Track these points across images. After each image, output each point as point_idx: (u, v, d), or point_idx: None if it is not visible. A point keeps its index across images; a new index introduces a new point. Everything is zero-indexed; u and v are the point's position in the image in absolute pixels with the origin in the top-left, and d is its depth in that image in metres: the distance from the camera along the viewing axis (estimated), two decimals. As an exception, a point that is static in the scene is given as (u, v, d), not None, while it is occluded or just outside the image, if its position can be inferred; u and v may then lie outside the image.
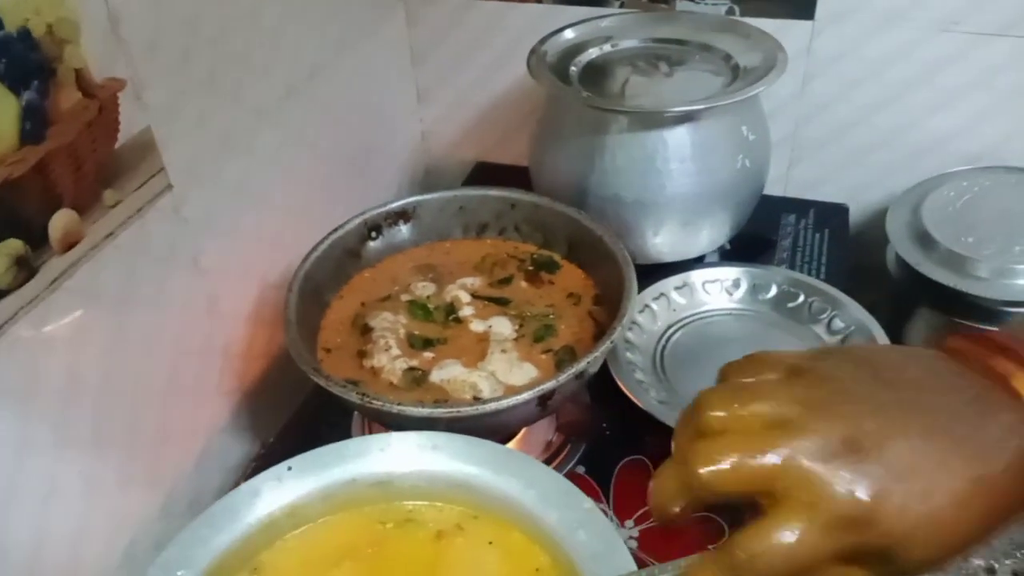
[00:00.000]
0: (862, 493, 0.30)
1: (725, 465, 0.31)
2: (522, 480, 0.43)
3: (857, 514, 0.30)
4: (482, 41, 0.92)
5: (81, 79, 0.52)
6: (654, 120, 0.66)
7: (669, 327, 0.73)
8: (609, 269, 0.63)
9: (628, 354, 0.69)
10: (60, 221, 0.52)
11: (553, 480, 0.43)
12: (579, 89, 0.70)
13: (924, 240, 0.75)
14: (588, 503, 0.41)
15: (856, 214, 0.89)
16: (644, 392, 0.65)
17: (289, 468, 0.44)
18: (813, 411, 0.32)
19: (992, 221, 0.74)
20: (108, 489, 0.59)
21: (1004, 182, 0.79)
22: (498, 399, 0.51)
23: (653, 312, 0.74)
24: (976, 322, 0.73)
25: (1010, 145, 0.82)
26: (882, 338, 0.67)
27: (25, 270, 0.50)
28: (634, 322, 0.72)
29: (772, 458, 0.31)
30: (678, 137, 0.67)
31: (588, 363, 0.54)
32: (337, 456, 0.45)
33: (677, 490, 0.33)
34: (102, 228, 0.56)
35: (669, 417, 0.62)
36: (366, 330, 0.62)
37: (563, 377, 0.52)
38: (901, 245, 0.76)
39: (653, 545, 0.57)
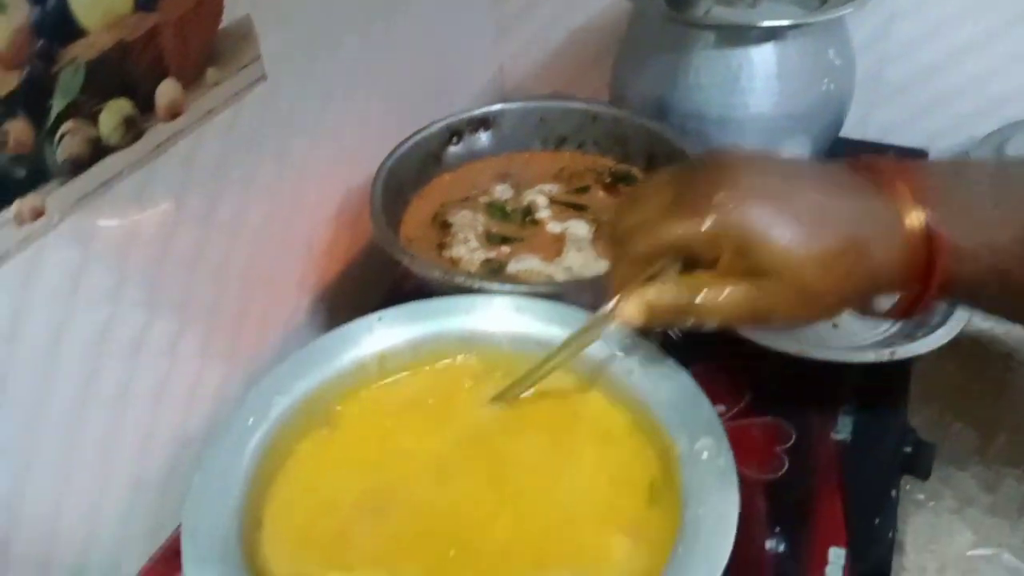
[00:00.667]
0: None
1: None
2: (604, 341, 0.44)
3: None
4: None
5: (194, -44, 0.54)
6: (741, 37, 0.66)
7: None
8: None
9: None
10: (166, 89, 0.55)
11: (632, 340, 0.44)
12: (662, 3, 0.70)
13: (1008, 179, 0.74)
14: (670, 361, 0.42)
15: (935, 161, 0.88)
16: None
17: (380, 319, 0.46)
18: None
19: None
20: (190, 355, 0.61)
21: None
22: (576, 280, 0.52)
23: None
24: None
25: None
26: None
27: (133, 130, 0.53)
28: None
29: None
30: (764, 55, 0.67)
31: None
32: (425, 312, 0.46)
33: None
34: (204, 104, 0.58)
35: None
36: (445, 226, 0.64)
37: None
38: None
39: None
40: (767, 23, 0.65)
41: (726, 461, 0.36)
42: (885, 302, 0.41)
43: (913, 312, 0.40)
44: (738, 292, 0.38)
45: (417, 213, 0.67)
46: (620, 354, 0.43)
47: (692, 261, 0.39)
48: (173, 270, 0.58)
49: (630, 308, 0.39)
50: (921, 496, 0.64)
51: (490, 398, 0.43)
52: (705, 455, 0.37)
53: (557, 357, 0.42)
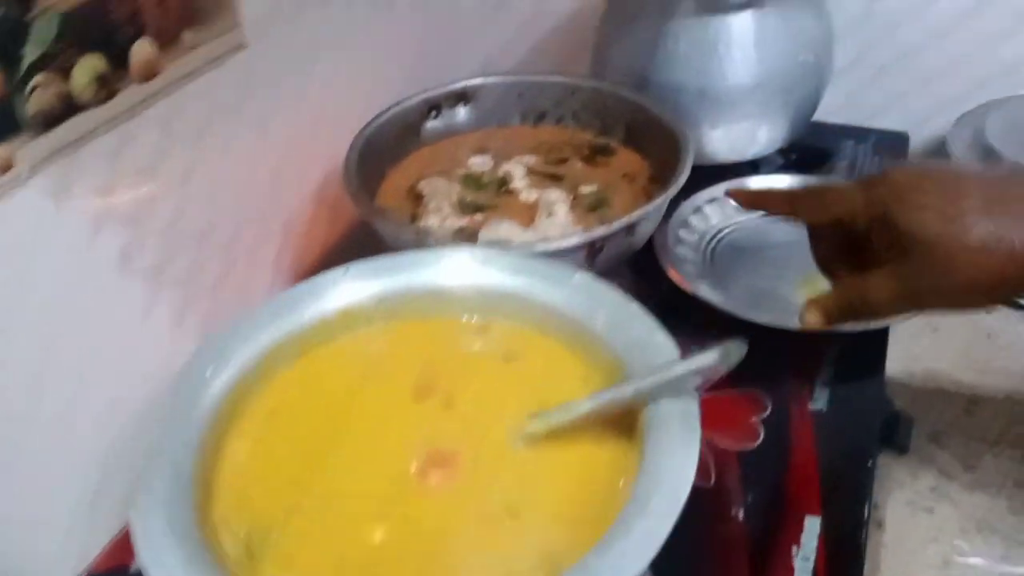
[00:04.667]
0: None
1: None
2: (569, 289, 0.44)
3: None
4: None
5: (168, -86, 0.54)
6: (719, 3, 0.67)
7: (722, 229, 0.73)
8: (666, 150, 0.63)
9: (679, 249, 0.69)
10: (141, 49, 0.54)
11: (600, 289, 0.43)
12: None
13: (989, 155, 0.74)
14: (634, 305, 0.42)
15: (916, 144, 0.88)
16: (693, 279, 0.65)
17: (346, 271, 0.46)
18: None
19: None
20: (163, 325, 0.60)
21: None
22: (548, 241, 0.52)
23: (706, 215, 0.74)
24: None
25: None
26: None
27: (106, 89, 0.52)
28: (686, 223, 0.72)
29: None
30: (742, 23, 0.67)
31: (640, 216, 0.54)
32: (392, 266, 0.46)
33: None
34: (180, 68, 0.57)
35: (717, 299, 0.62)
36: (419, 197, 0.64)
37: (615, 225, 0.53)
38: (964, 158, 0.75)
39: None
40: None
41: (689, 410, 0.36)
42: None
43: None
44: (892, 278, 0.43)
45: (393, 185, 0.67)
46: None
47: (854, 246, 0.46)
48: (148, 235, 0.58)
49: (813, 316, 0.47)
50: (901, 473, 0.63)
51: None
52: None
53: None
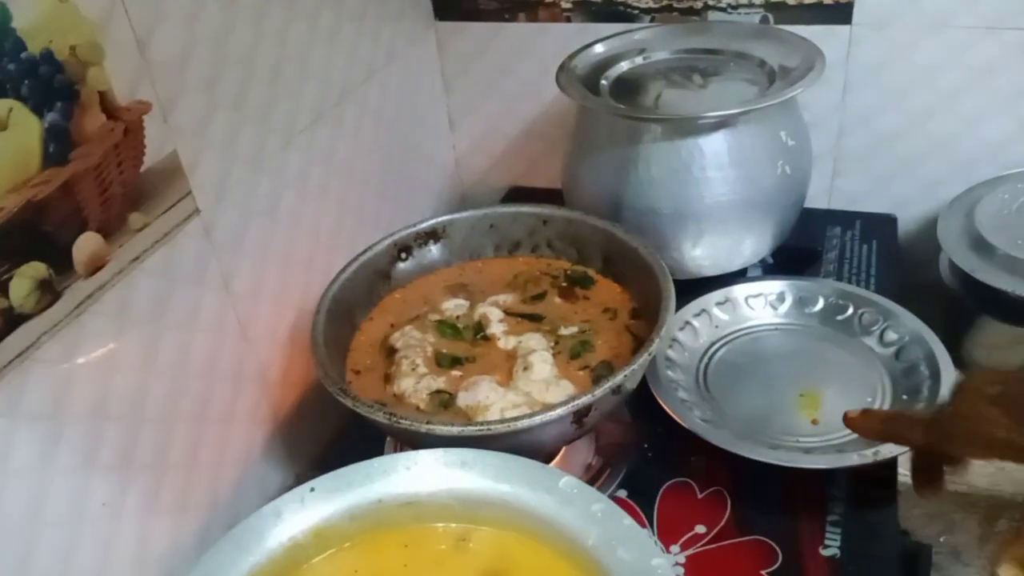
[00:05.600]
0: None
1: None
2: (557, 497, 0.40)
3: None
4: (512, 65, 0.91)
5: (105, 101, 0.52)
6: (689, 127, 0.64)
7: (712, 344, 0.70)
8: (646, 281, 0.61)
9: (670, 372, 0.66)
10: (85, 244, 0.52)
11: (590, 496, 0.40)
12: (609, 100, 0.68)
13: (980, 246, 0.71)
14: (628, 520, 0.39)
15: (905, 226, 0.85)
16: (688, 411, 0.62)
17: (312, 489, 0.42)
18: None
19: (1053, 224, 0.71)
20: (135, 514, 0.57)
21: (1063, 184, 0.75)
22: (531, 415, 0.49)
23: (695, 329, 0.71)
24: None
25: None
26: (939, 347, 0.63)
27: (49, 294, 0.50)
28: (675, 340, 0.69)
29: None
30: (715, 144, 0.65)
31: (625, 377, 0.51)
32: (362, 476, 0.43)
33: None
34: (129, 252, 0.55)
35: (714, 436, 0.59)
36: (392, 352, 0.61)
37: (599, 392, 0.50)
38: (955, 252, 0.72)
39: (700, 570, 0.54)
40: (714, 114, 0.63)
41: None
42: None
43: None
44: None
45: (366, 338, 0.63)
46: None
47: None
48: (111, 424, 0.55)
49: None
50: (925, 596, 0.60)
51: None
52: None
53: None
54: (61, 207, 0.50)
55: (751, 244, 0.70)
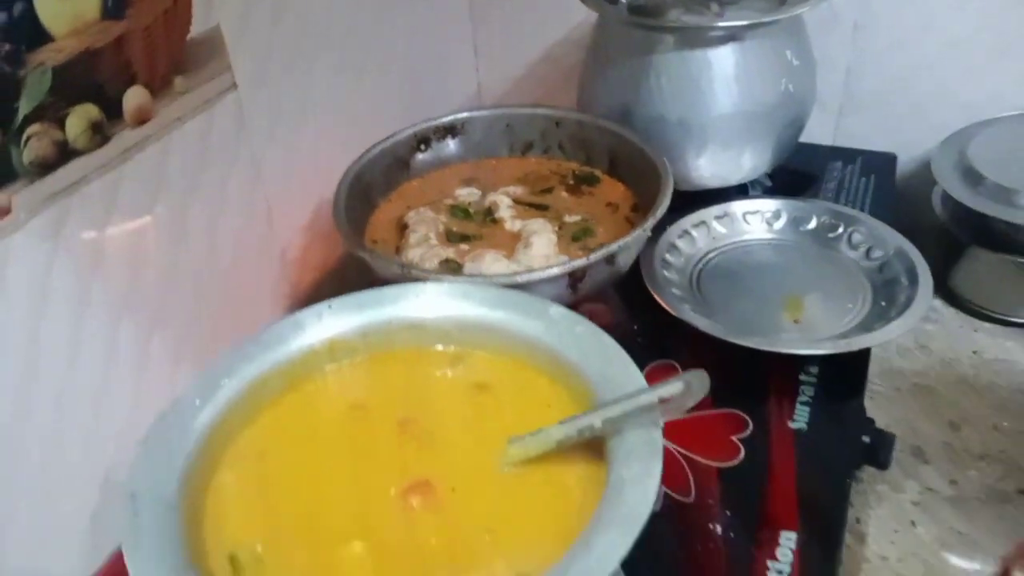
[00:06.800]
0: None
1: None
2: (546, 322, 0.45)
3: None
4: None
5: (159, -34, 0.57)
6: (698, 39, 0.68)
7: (708, 252, 0.74)
8: (648, 181, 0.65)
9: (665, 272, 0.70)
10: (133, 96, 0.57)
11: (574, 320, 0.45)
12: (624, 8, 0.72)
13: (970, 176, 0.75)
14: (608, 339, 0.43)
15: (905, 166, 0.89)
16: (678, 303, 0.66)
17: (330, 307, 0.47)
18: None
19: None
20: (161, 361, 0.62)
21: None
22: (530, 271, 0.54)
23: (693, 238, 0.75)
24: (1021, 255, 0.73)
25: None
26: (920, 262, 0.67)
27: (99, 135, 0.54)
28: (673, 245, 0.73)
29: None
30: (722, 57, 0.68)
31: (620, 247, 0.56)
32: (375, 300, 0.48)
33: None
34: (172, 112, 0.60)
35: (701, 323, 0.63)
36: (407, 228, 0.66)
37: (594, 257, 0.54)
38: (947, 182, 0.76)
39: (675, 433, 0.58)
40: (724, 23, 0.67)
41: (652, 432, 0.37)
42: None
43: None
44: None
45: (384, 217, 0.68)
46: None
47: None
48: (143, 274, 0.60)
49: None
50: (884, 487, 0.64)
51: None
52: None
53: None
54: (114, 59, 0.55)
55: (751, 158, 0.74)
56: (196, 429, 0.41)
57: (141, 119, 0.58)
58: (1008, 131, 0.78)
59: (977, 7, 0.80)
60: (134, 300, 0.59)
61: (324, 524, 0.39)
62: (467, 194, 0.69)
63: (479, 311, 0.47)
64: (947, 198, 0.77)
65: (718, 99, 0.70)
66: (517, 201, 0.68)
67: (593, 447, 0.39)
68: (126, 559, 0.35)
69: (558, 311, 0.45)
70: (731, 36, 0.68)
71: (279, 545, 0.38)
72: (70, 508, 0.55)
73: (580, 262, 0.54)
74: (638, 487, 0.34)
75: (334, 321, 0.47)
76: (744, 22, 0.67)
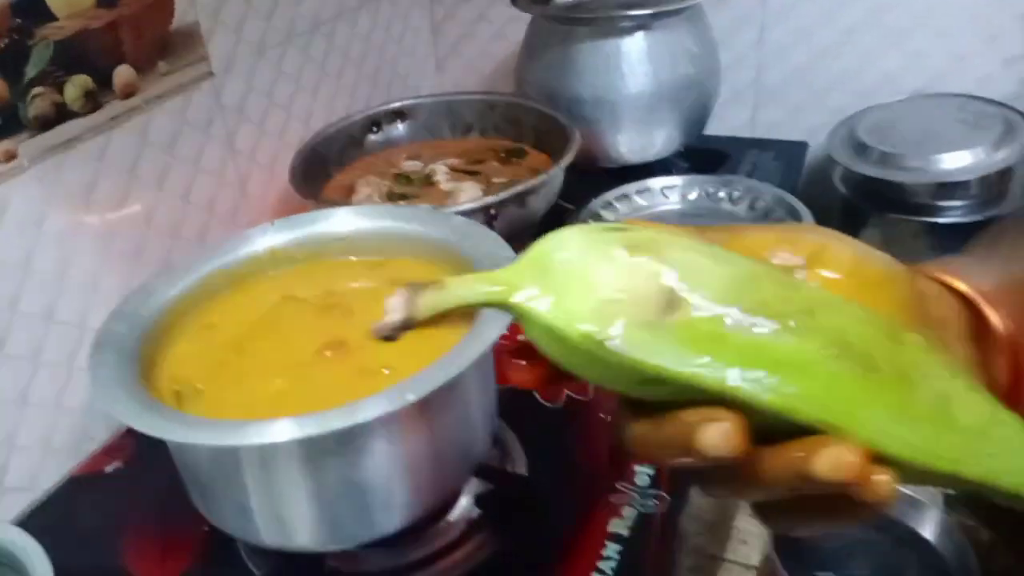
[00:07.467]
0: None
1: None
2: (448, 228, 0.55)
3: None
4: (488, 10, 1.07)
5: (146, -35, 0.68)
6: (611, 28, 0.79)
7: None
8: (568, 152, 0.75)
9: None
10: (122, 72, 0.68)
11: (470, 225, 0.54)
12: (545, 6, 0.84)
13: (860, 149, 0.85)
14: (493, 235, 0.53)
15: (814, 151, 0.99)
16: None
17: (272, 223, 0.57)
18: None
19: (918, 131, 0.84)
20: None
21: (931, 105, 0.89)
22: (451, 207, 0.64)
23: (615, 209, 0.85)
24: (910, 215, 0.83)
25: (948, 78, 0.92)
26: (799, 205, 0.77)
27: (92, 102, 0.66)
28: (596, 215, 0.83)
29: None
30: (634, 43, 0.80)
31: (528, 187, 0.66)
32: (309, 220, 0.57)
33: None
34: (155, 89, 0.71)
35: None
36: (351, 191, 0.76)
37: (504, 194, 0.65)
38: (840, 155, 0.86)
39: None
40: (631, 12, 0.79)
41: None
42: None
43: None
44: None
45: (336, 184, 0.79)
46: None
47: None
48: (126, 224, 0.70)
49: None
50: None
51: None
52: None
53: None
54: (107, 39, 0.66)
55: (663, 134, 0.85)
56: (155, 304, 0.50)
57: (128, 92, 0.69)
58: (894, 111, 0.89)
59: (862, 2, 0.91)
60: (114, 245, 0.69)
61: (254, 371, 0.48)
62: (411, 166, 0.80)
63: (396, 224, 0.57)
64: (845, 173, 0.88)
65: (627, 81, 0.81)
66: (453, 169, 0.78)
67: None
68: (91, 383, 0.44)
69: (459, 220, 0.55)
70: (639, 25, 0.80)
71: (216, 384, 0.47)
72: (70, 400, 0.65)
73: (492, 198, 0.64)
74: (490, 329, 0.44)
75: (275, 236, 0.57)
76: (648, 11, 0.78)
